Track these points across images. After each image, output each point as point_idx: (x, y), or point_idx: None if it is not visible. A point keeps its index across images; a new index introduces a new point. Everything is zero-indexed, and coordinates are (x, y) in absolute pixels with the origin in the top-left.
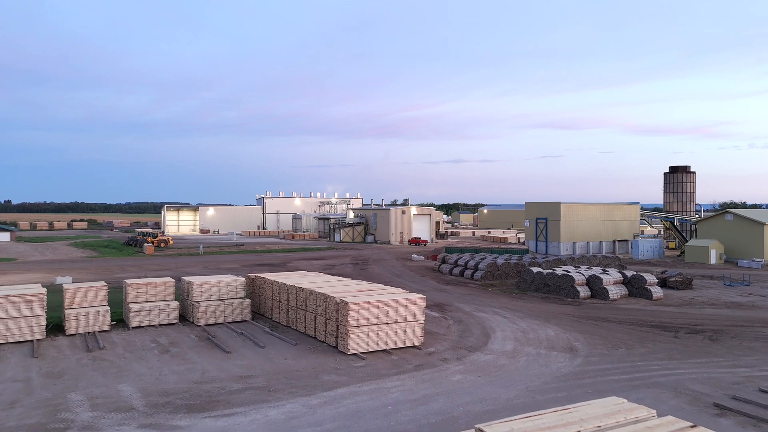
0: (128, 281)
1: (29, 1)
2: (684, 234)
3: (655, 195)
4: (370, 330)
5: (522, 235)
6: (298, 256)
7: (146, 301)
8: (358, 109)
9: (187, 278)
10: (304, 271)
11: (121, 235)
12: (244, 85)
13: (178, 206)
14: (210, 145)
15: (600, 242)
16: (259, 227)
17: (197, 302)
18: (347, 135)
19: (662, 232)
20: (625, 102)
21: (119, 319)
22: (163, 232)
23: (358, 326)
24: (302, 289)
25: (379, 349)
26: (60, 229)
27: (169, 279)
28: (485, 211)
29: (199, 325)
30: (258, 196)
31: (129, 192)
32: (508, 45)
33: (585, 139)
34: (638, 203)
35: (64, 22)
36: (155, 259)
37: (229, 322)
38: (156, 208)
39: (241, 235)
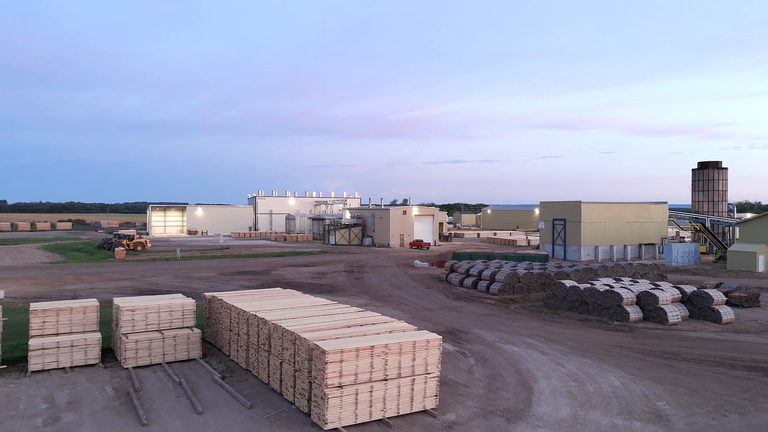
0: (33, 306)
1: (29, 1)
2: (717, 237)
3: (658, 195)
4: (359, 391)
5: (533, 238)
6: (286, 261)
7: (56, 334)
8: (359, 110)
9: (117, 300)
10: (279, 289)
11: (103, 236)
12: (245, 85)
13: (165, 206)
14: (210, 145)
15: (624, 246)
16: (250, 228)
17: (125, 335)
18: (348, 135)
19: (681, 235)
20: (626, 102)
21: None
22: (140, 235)
23: (340, 386)
24: (265, 321)
25: (373, 419)
26: (42, 230)
27: (91, 302)
28: (489, 211)
29: (127, 368)
30: (250, 196)
31: (128, 192)
32: (509, 45)
33: (585, 139)
34: (666, 202)
35: (64, 22)
36: (123, 266)
37: (170, 362)
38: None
39: (230, 236)
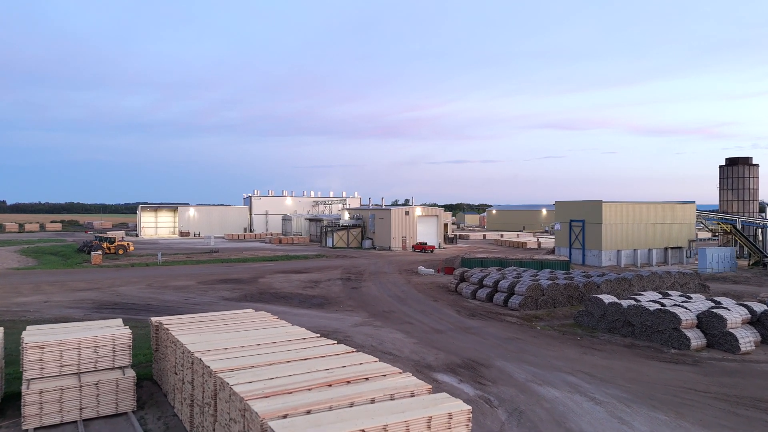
0: None
1: (31, 2)
2: (750, 240)
3: (663, 195)
4: None
5: (544, 240)
6: (277, 267)
7: None
8: (360, 110)
9: (26, 334)
10: (249, 311)
11: (84, 239)
12: (247, 85)
13: (156, 206)
14: (211, 145)
15: (649, 250)
16: (245, 229)
17: (28, 381)
18: (349, 135)
19: (700, 237)
20: (628, 102)
21: None
22: (122, 238)
23: None
24: (210, 372)
25: None
26: (30, 232)
27: None
28: (494, 211)
29: (26, 430)
30: (245, 195)
31: (129, 193)
32: (511, 45)
33: (587, 139)
34: (693, 202)
35: (65, 23)
36: (95, 273)
37: (90, 419)
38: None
39: (223, 238)
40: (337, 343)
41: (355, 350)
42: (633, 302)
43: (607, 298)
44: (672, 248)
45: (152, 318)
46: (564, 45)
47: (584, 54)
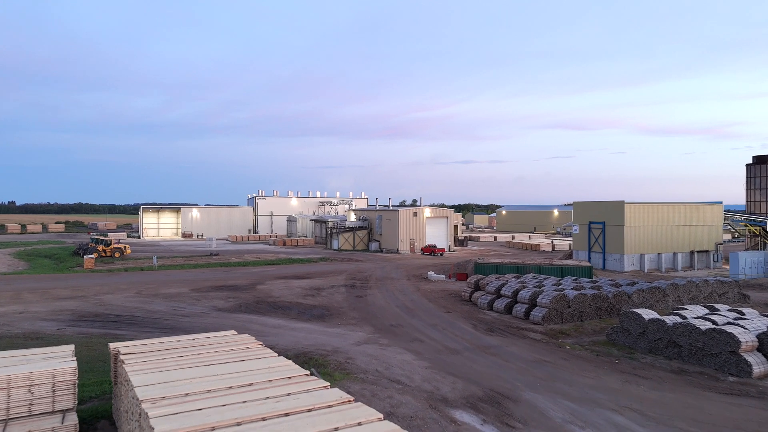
0: None
1: (39, 5)
2: None
3: (671, 195)
4: None
5: (559, 242)
6: (278, 271)
7: None
8: (368, 110)
9: None
10: (232, 333)
11: (80, 241)
12: (254, 86)
13: (158, 207)
14: (219, 146)
15: (674, 254)
16: (249, 231)
17: None
18: (357, 136)
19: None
20: (637, 102)
21: None
22: (118, 240)
23: None
24: (152, 429)
25: None
26: (32, 233)
27: None
28: (503, 212)
29: None
30: (250, 196)
31: (138, 193)
32: (519, 45)
33: (596, 139)
34: (721, 202)
35: (74, 26)
36: (83, 278)
37: None
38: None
39: (226, 240)
40: (331, 387)
41: (352, 399)
42: (679, 319)
43: (647, 313)
44: (698, 252)
45: (112, 344)
46: (572, 45)
47: (593, 54)
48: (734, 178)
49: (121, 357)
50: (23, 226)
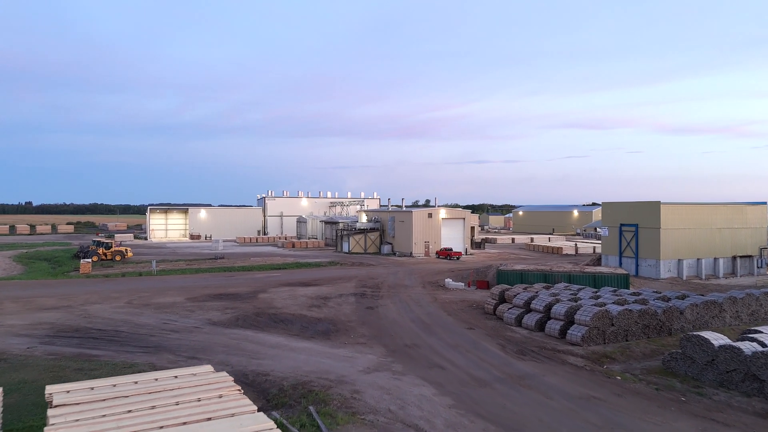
0: None
1: (57, 9)
2: None
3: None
4: None
5: (583, 245)
6: (284, 277)
7: None
8: (382, 110)
9: None
10: (208, 369)
11: (81, 243)
12: (268, 86)
13: (166, 207)
14: (234, 147)
15: (715, 259)
16: (259, 232)
17: None
18: (370, 136)
19: None
20: (653, 101)
21: None
22: (119, 242)
23: None
24: None
25: None
26: (41, 234)
27: None
28: (520, 212)
29: None
30: (259, 196)
31: (153, 194)
32: (533, 44)
33: (611, 138)
34: (765, 203)
35: (91, 29)
36: (76, 284)
37: None
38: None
39: (234, 242)
40: None
41: None
42: (759, 347)
43: (715, 338)
44: (741, 257)
45: (49, 386)
46: (586, 43)
47: (607, 52)
48: (755, 177)
49: (49, 414)
50: (32, 227)
